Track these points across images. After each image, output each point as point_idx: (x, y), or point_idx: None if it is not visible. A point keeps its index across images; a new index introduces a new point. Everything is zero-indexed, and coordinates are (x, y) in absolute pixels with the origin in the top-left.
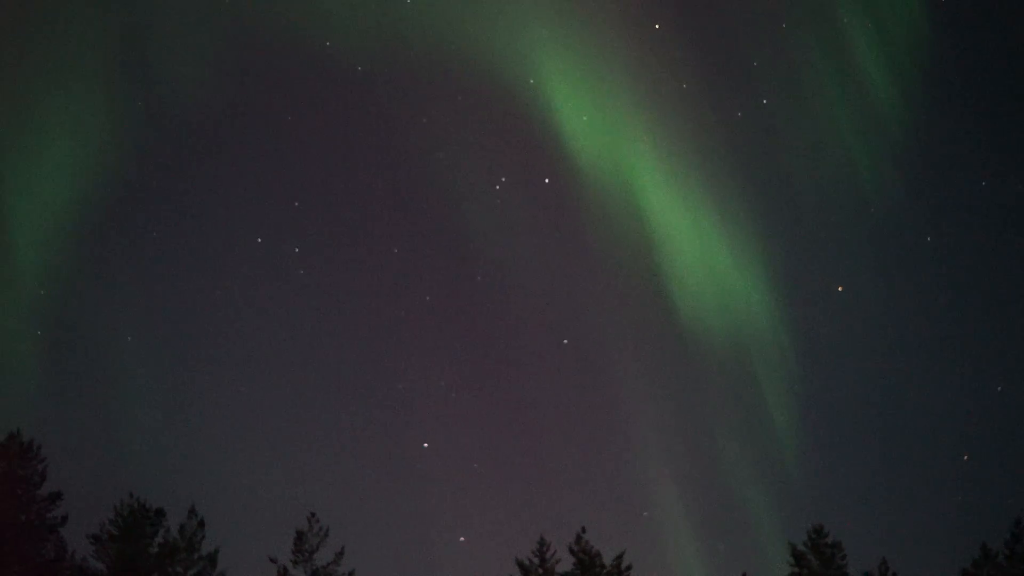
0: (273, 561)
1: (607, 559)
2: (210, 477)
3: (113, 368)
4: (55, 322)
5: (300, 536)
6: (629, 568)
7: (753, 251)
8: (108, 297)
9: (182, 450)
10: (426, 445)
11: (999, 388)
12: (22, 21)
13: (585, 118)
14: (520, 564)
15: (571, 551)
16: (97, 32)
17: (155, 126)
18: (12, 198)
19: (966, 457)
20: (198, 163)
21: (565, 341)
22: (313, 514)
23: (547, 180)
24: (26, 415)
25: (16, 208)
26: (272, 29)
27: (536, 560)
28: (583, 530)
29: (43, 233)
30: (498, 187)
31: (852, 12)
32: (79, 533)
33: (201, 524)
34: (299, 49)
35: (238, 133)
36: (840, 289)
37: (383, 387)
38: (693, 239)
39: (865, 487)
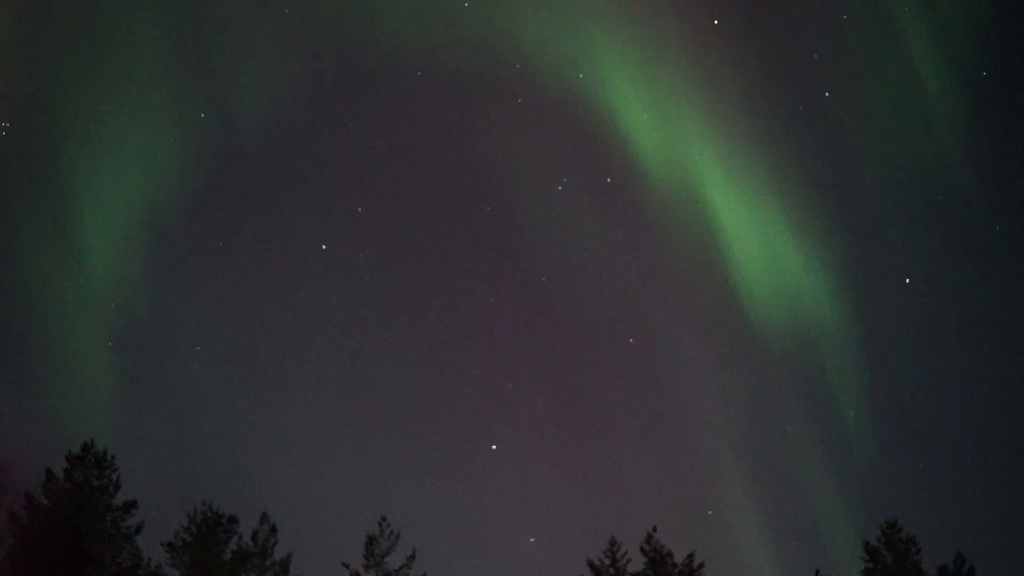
0: (345, 566)
1: (678, 558)
2: (281, 483)
3: (183, 377)
4: (124, 334)
5: (371, 540)
6: (701, 567)
7: (819, 245)
8: (176, 308)
9: (253, 457)
10: (494, 447)
11: None
12: (90, 34)
13: (646, 116)
14: (591, 565)
15: (642, 550)
16: (164, 44)
17: (219, 137)
18: (81, 211)
19: None
20: (261, 172)
21: (631, 340)
22: (384, 518)
23: (609, 180)
24: (100, 425)
25: (86, 222)
26: (332, 36)
27: (607, 560)
28: (654, 529)
29: (112, 246)
30: (560, 188)
31: (911, 2)
32: (154, 541)
33: (274, 530)
34: (358, 55)
35: (299, 141)
36: (907, 281)
37: (450, 391)
38: (757, 234)
39: (938, 480)
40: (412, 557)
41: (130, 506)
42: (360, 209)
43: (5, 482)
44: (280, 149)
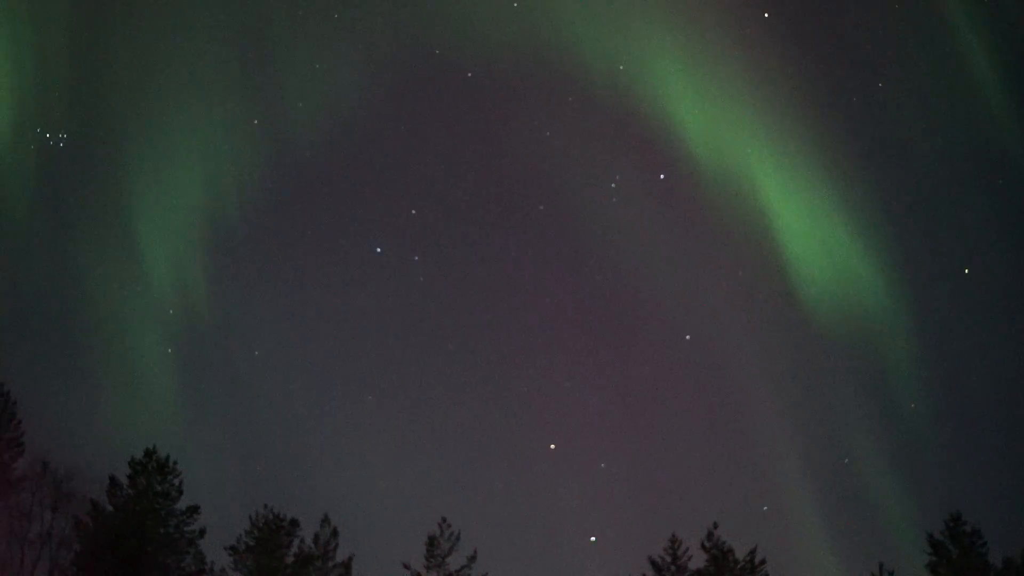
0: (406, 567)
1: (739, 554)
2: (342, 485)
3: (242, 382)
4: (183, 340)
5: (432, 541)
6: (763, 563)
7: (875, 236)
8: (233, 313)
9: (314, 459)
10: (553, 446)
11: None
12: (146, 45)
13: (698, 112)
14: (653, 563)
15: (703, 547)
16: (218, 53)
17: (274, 144)
18: (140, 219)
19: None
20: (315, 178)
21: (688, 337)
22: (444, 519)
23: (662, 176)
24: (162, 431)
25: (144, 229)
26: (383, 42)
27: (668, 558)
28: (715, 526)
29: (170, 253)
30: (613, 185)
31: None
32: (217, 545)
33: (335, 532)
34: (410, 59)
35: (352, 145)
36: (966, 271)
37: (507, 390)
38: (813, 227)
39: (1002, 471)
40: (473, 558)
41: (193, 511)
42: (414, 211)
43: (71, 489)
44: (333, 154)
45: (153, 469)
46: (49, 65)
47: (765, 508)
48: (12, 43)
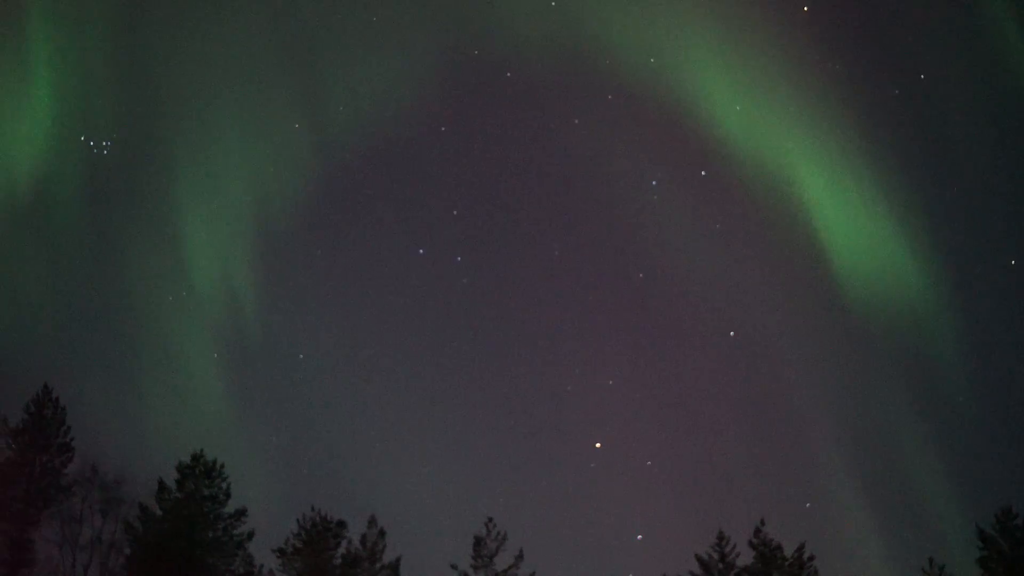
0: (454, 567)
1: (787, 551)
2: (388, 487)
3: (287, 386)
4: (229, 344)
5: (479, 541)
6: (812, 559)
7: (919, 229)
8: (278, 317)
9: (359, 461)
10: (598, 445)
11: None
12: (189, 51)
13: (738, 107)
14: (700, 560)
15: (751, 544)
16: (262, 58)
17: (316, 148)
18: (185, 225)
19: None
20: (357, 181)
21: (731, 333)
22: (491, 519)
23: (703, 172)
24: (209, 435)
25: (189, 235)
26: (422, 43)
27: (716, 555)
28: (762, 522)
29: (216, 258)
30: (654, 183)
31: None
32: (265, 547)
33: (382, 533)
34: (448, 60)
35: (393, 148)
36: (1012, 263)
37: (552, 390)
38: (855, 221)
39: None
40: (520, 557)
41: (241, 514)
42: (455, 213)
43: (120, 494)
44: (374, 157)
45: (201, 473)
46: (92, 73)
47: (808, 505)
48: (54, 52)
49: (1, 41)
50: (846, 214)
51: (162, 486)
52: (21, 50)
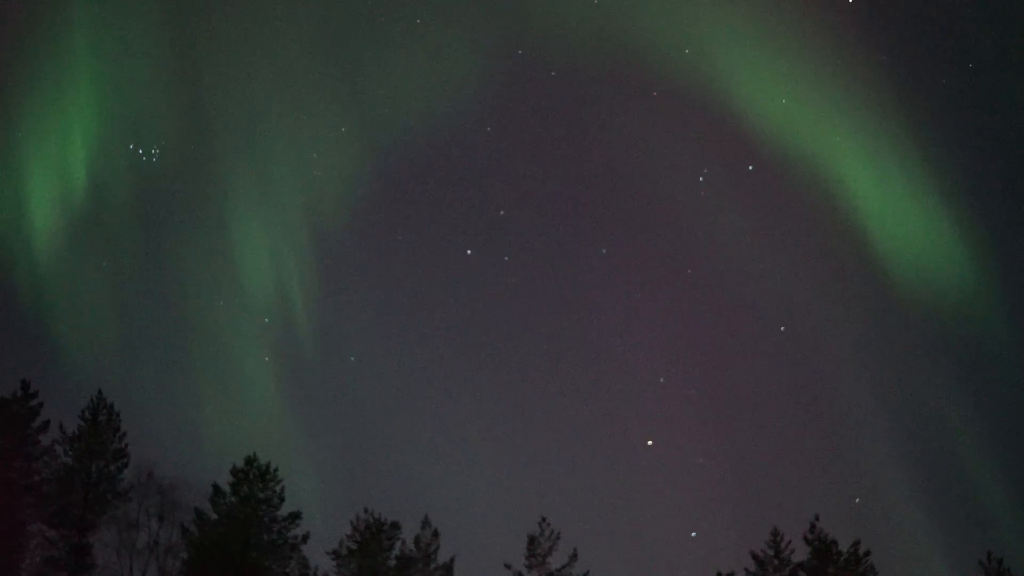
0: (508, 567)
1: (842, 547)
2: (441, 487)
3: (338, 388)
4: (281, 348)
5: (532, 541)
6: (867, 554)
7: (968, 221)
8: (327, 320)
9: (412, 462)
10: (650, 443)
11: None
12: (234, 57)
13: (784, 101)
14: (755, 557)
15: (806, 540)
16: (306, 63)
17: (362, 151)
18: (237, 232)
19: None
20: (404, 183)
21: (782, 328)
22: (544, 518)
23: (751, 167)
24: (263, 438)
25: (241, 241)
26: (465, 44)
27: (770, 551)
28: (816, 518)
29: (265, 263)
30: (701, 179)
31: None
32: (320, 549)
33: (435, 534)
34: (493, 60)
35: (438, 150)
36: None
37: (603, 389)
38: (905, 213)
39: None
40: (574, 556)
41: (295, 516)
42: (502, 213)
43: (176, 498)
44: (420, 159)
45: (255, 476)
46: (139, 82)
47: (857, 500)
48: (101, 61)
49: (48, 50)
50: (894, 206)
51: (217, 490)
52: (67, 60)
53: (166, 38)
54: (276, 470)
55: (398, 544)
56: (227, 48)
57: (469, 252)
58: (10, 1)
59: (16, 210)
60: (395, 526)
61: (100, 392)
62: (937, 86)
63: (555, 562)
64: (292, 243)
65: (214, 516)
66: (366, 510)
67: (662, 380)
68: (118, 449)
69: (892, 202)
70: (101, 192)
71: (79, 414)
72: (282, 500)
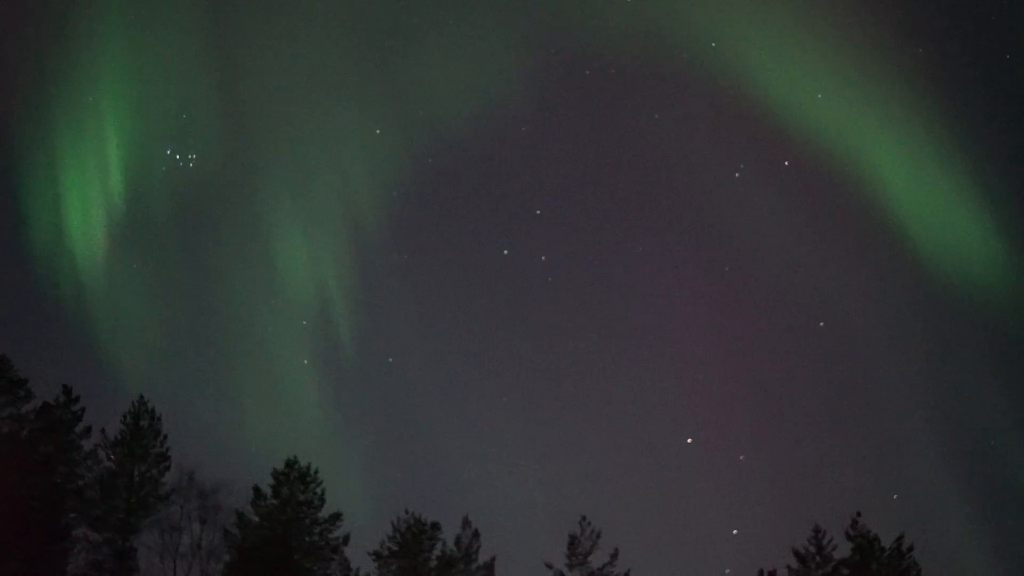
0: (549, 566)
1: (883, 542)
2: (481, 487)
3: (377, 389)
4: (318, 350)
5: (573, 540)
6: (911, 550)
7: (1008, 216)
8: (365, 322)
9: (452, 463)
10: (689, 441)
11: None
12: (271, 61)
13: (819, 95)
14: (796, 553)
15: (848, 536)
16: (340, 65)
17: (397, 152)
18: (277, 235)
19: None
20: (439, 184)
21: (821, 324)
22: (584, 517)
23: (787, 163)
24: (303, 441)
25: (281, 244)
26: (499, 45)
27: (812, 548)
28: (858, 514)
29: (303, 266)
30: (737, 175)
31: None
32: (361, 551)
33: (476, 534)
34: (527, 60)
35: (473, 150)
36: None
37: (641, 386)
38: (942, 206)
39: None
40: (615, 555)
41: (336, 518)
42: (538, 212)
43: (217, 501)
44: (455, 159)
45: (295, 478)
46: (174, 87)
47: (895, 496)
48: (135, 67)
49: (83, 57)
50: (932, 200)
51: (258, 493)
52: (102, 66)
53: (200, 43)
54: (316, 472)
55: (439, 545)
56: (261, 52)
57: (505, 252)
58: (44, 7)
59: (55, 217)
60: (436, 527)
61: (141, 396)
62: (973, 78)
63: (596, 561)
64: (329, 245)
65: (255, 519)
66: (407, 511)
67: (700, 378)
68: (160, 453)
69: (930, 195)
70: (139, 197)
71: (121, 418)
72: (323, 502)
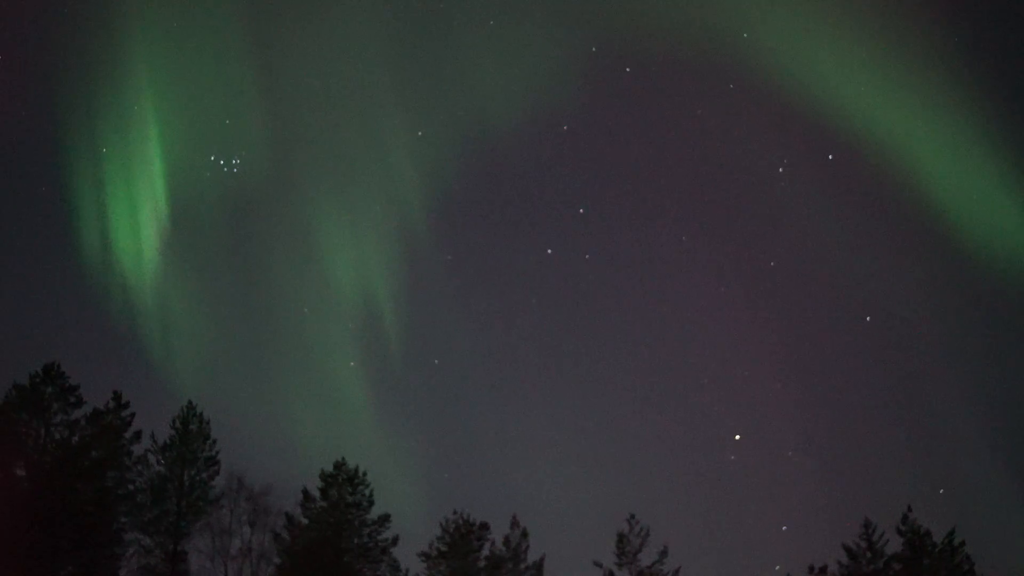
0: (598, 565)
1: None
2: (529, 487)
3: (424, 391)
4: (365, 353)
5: (622, 538)
6: (963, 544)
7: None
8: (410, 324)
9: (499, 463)
10: (738, 437)
11: None
12: (310, 70)
13: (862, 88)
14: (847, 549)
15: (899, 531)
16: (378, 69)
17: (439, 155)
18: (323, 239)
19: None
20: (482, 185)
21: (868, 318)
22: (632, 515)
23: (830, 156)
24: (350, 443)
25: (327, 248)
26: (537, 43)
27: (863, 544)
28: (909, 509)
29: (352, 269)
30: (781, 170)
31: None
32: (410, 552)
33: (524, 534)
34: (566, 59)
35: (514, 150)
36: None
37: (688, 384)
38: (988, 198)
39: None
40: (664, 553)
41: (384, 519)
42: (581, 211)
43: (267, 504)
44: (497, 160)
45: (344, 480)
46: (216, 92)
47: (942, 491)
48: (179, 72)
49: (125, 64)
50: (978, 191)
51: (307, 495)
52: (144, 73)
53: (241, 48)
54: (365, 474)
55: (487, 545)
56: (302, 56)
57: (549, 251)
58: (87, 18)
59: (103, 224)
60: (484, 527)
61: (190, 401)
62: (1017, 66)
63: (645, 559)
64: (374, 248)
65: (305, 521)
66: (455, 511)
67: (747, 374)
68: (209, 457)
69: (975, 187)
70: (184, 203)
71: (170, 423)
72: (371, 503)
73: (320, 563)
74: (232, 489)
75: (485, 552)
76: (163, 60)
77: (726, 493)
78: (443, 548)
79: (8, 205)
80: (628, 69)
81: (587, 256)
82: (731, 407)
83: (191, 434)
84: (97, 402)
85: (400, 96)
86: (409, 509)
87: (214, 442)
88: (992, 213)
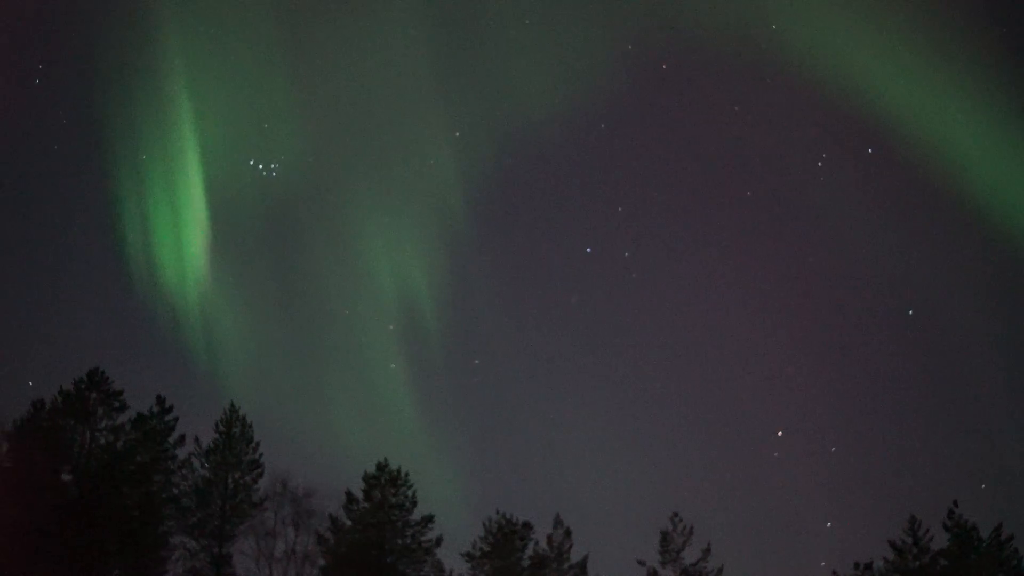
0: (641, 563)
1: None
2: (571, 486)
3: (465, 391)
4: (405, 354)
5: (665, 536)
6: (1010, 539)
7: None
8: (450, 324)
9: (541, 462)
10: (780, 433)
11: None
12: (347, 71)
13: (902, 81)
14: (893, 545)
15: (945, 527)
16: (415, 69)
17: (476, 154)
18: (363, 241)
19: None
20: (520, 184)
21: (910, 313)
22: (675, 513)
23: (870, 150)
24: (392, 444)
25: (367, 250)
26: (574, 41)
27: (909, 540)
28: (955, 504)
29: (392, 271)
30: (820, 164)
31: None
32: (454, 552)
33: (568, 533)
34: (602, 56)
35: (552, 149)
36: None
37: (730, 380)
38: None
39: None
40: (707, 550)
41: (428, 520)
42: (620, 209)
43: (310, 506)
44: (535, 159)
45: (386, 482)
46: (253, 96)
47: (983, 486)
48: (216, 77)
49: (161, 69)
50: (1019, 184)
51: (350, 497)
52: (181, 79)
53: (277, 51)
54: (407, 475)
55: (531, 544)
56: (338, 58)
57: (588, 250)
58: (125, 25)
59: (144, 229)
60: (527, 526)
61: (232, 404)
62: None
63: (689, 557)
64: (412, 249)
65: (348, 523)
66: (498, 511)
67: (790, 370)
68: (252, 460)
69: (1016, 179)
70: (224, 208)
71: (213, 426)
72: (414, 504)
73: (364, 565)
74: (276, 492)
75: (528, 552)
76: (200, 66)
77: (769, 489)
78: (486, 548)
79: (55, 214)
80: (664, 66)
81: (626, 254)
82: (773, 403)
83: (234, 437)
84: (141, 407)
85: (437, 96)
86: (452, 510)
87: (257, 445)
88: None
